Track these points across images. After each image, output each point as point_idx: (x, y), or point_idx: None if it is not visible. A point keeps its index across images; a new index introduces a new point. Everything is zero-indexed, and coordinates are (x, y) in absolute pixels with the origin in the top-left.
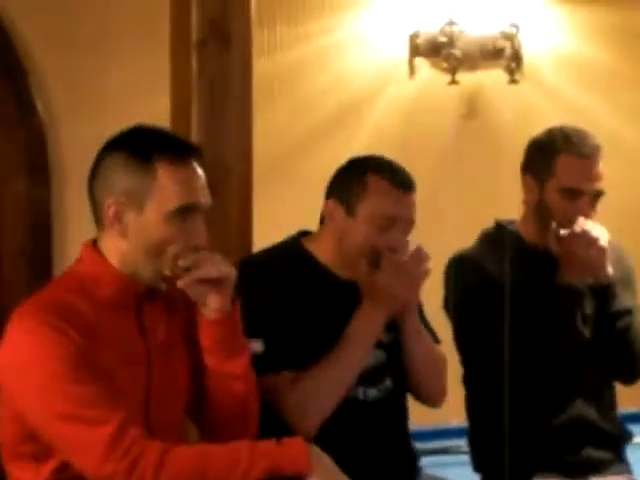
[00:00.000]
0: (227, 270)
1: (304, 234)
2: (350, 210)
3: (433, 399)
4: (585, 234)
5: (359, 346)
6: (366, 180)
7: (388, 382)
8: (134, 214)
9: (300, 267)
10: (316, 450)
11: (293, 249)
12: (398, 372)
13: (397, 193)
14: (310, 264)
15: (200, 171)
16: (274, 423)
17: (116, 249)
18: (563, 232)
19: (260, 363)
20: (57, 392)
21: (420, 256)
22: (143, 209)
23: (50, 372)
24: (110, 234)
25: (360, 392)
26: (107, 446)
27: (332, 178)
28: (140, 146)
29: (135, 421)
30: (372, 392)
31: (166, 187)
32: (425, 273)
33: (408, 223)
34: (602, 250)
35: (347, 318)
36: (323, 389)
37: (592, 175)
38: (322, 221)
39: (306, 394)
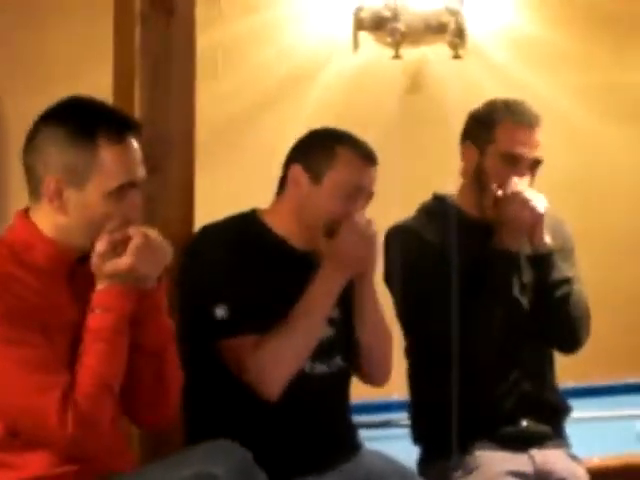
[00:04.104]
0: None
1: (256, 210)
2: (316, 178)
3: (378, 375)
4: (518, 195)
5: (320, 308)
6: (334, 150)
7: (338, 359)
8: (74, 191)
9: (256, 238)
10: None
11: (249, 220)
12: (347, 350)
13: (364, 164)
14: (266, 235)
15: (137, 146)
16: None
17: (51, 221)
18: (500, 193)
19: (224, 328)
20: (4, 356)
21: (369, 219)
22: (84, 186)
23: None
24: (47, 207)
25: (307, 366)
26: (59, 413)
27: (296, 145)
28: (82, 122)
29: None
30: (321, 367)
31: (108, 165)
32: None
33: (369, 195)
34: (536, 212)
35: (301, 289)
36: (286, 351)
37: (531, 142)
38: (279, 190)
39: (269, 356)
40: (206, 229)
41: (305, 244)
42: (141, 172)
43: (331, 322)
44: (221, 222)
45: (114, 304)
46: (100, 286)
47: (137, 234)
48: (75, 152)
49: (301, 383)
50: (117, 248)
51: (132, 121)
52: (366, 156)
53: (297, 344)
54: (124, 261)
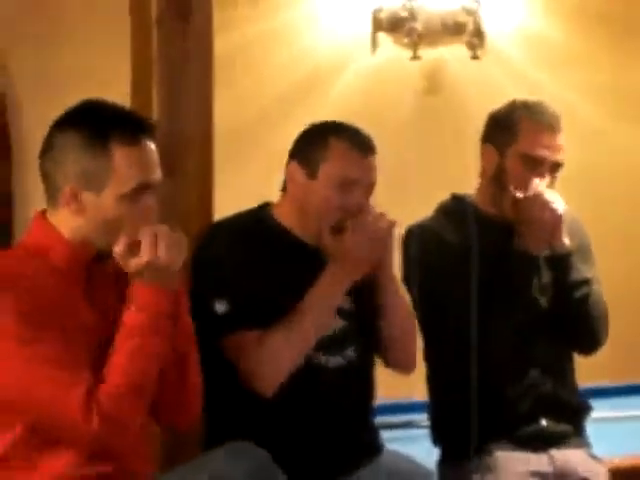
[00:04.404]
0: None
1: (269, 204)
2: (311, 172)
3: (406, 362)
4: (538, 196)
5: (324, 306)
6: (328, 142)
7: (351, 351)
8: (91, 195)
9: (264, 231)
10: None
11: (258, 215)
12: (361, 342)
13: (358, 155)
14: (274, 228)
15: (153, 147)
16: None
17: (69, 224)
18: (519, 195)
19: (225, 322)
20: (20, 354)
21: (385, 217)
22: (101, 190)
23: (9, 333)
24: (64, 211)
25: (322, 358)
26: (83, 409)
27: (294, 141)
28: (95, 126)
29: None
30: (335, 359)
31: (122, 169)
32: (391, 232)
33: (369, 186)
34: (556, 214)
35: (309, 281)
36: (285, 349)
37: (553, 145)
38: (284, 187)
39: (269, 352)
40: (215, 225)
41: (311, 238)
42: (157, 174)
43: (342, 313)
44: (231, 217)
45: (148, 302)
46: (136, 284)
47: (147, 230)
48: (90, 156)
49: (317, 376)
50: (134, 249)
51: (146, 123)
52: (360, 146)
53: (297, 343)
54: (142, 257)
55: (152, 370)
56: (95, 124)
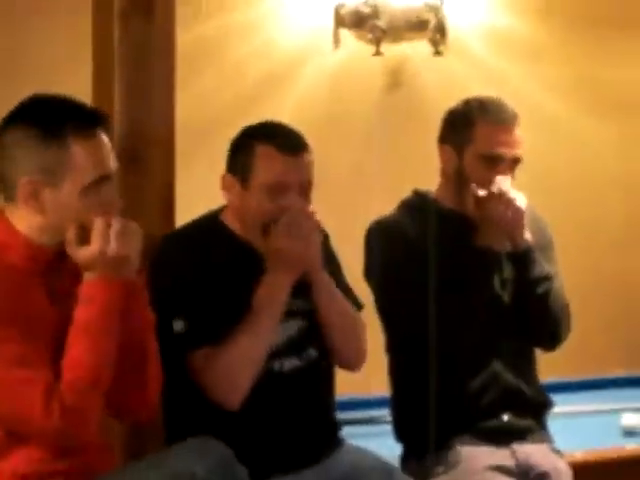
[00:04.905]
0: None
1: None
2: (244, 182)
3: (351, 361)
4: (502, 195)
5: (267, 315)
6: (254, 150)
7: (312, 351)
8: (50, 190)
9: (216, 240)
10: None
11: (210, 222)
12: (322, 340)
13: (285, 158)
14: (226, 236)
15: (107, 138)
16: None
17: (27, 222)
18: (481, 193)
19: (182, 341)
20: None
21: (305, 211)
22: (59, 185)
23: None
24: (22, 208)
25: (276, 364)
26: (44, 405)
27: (228, 151)
28: (50, 120)
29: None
30: (292, 362)
31: (80, 162)
32: (315, 226)
33: (303, 185)
34: (519, 212)
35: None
36: (238, 362)
37: (510, 141)
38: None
39: (223, 369)
40: (167, 238)
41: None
42: (113, 164)
43: (301, 313)
44: (183, 229)
45: (97, 295)
46: (85, 277)
47: (98, 220)
48: (47, 152)
49: (271, 382)
50: (86, 238)
51: (100, 114)
52: (286, 148)
53: (251, 353)
54: (92, 246)
55: (106, 361)
56: (49, 118)
